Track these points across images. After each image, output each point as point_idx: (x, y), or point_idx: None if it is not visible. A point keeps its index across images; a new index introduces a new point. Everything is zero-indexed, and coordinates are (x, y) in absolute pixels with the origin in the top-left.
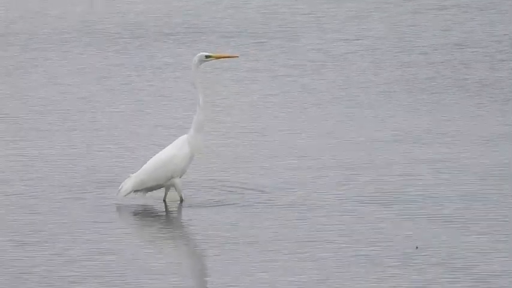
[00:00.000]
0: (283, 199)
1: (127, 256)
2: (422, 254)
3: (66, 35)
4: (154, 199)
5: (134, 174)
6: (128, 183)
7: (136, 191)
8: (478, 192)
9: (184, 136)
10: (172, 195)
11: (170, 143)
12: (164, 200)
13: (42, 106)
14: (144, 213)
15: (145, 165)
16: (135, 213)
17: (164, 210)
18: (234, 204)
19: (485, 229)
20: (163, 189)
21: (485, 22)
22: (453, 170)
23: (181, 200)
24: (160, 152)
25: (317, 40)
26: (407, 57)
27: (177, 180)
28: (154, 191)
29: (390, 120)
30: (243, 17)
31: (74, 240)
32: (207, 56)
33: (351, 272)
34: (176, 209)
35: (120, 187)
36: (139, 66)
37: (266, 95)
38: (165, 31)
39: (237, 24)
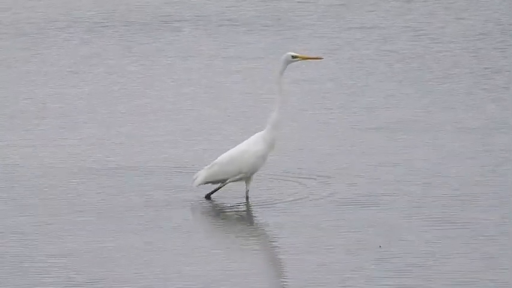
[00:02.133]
0: None
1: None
2: None
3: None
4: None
5: (208, 166)
6: (202, 174)
7: (208, 182)
8: None
9: (261, 133)
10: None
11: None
12: (247, 197)
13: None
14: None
15: (218, 158)
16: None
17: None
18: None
19: None
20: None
21: None
22: None
23: (247, 197)
24: (235, 147)
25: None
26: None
27: (246, 177)
28: (230, 183)
29: None
30: None
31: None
32: (293, 57)
33: None
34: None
35: (195, 177)
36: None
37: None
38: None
39: None
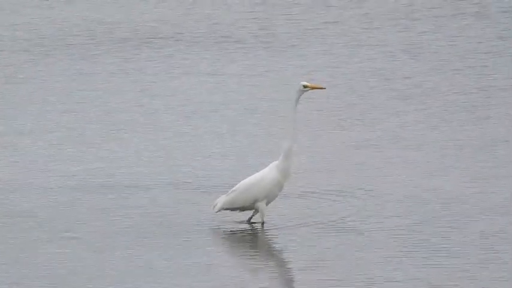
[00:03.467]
0: None
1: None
2: None
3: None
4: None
5: (228, 193)
6: (221, 201)
7: (226, 208)
8: None
9: (275, 162)
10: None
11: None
12: (249, 221)
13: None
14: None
15: (236, 185)
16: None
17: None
18: None
19: None
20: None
21: None
22: None
23: (263, 223)
24: (252, 175)
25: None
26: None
27: (260, 204)
28: (246, 210)
29: None
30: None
31: None
32: (304, 86)
33: None
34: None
35: (215, 203)
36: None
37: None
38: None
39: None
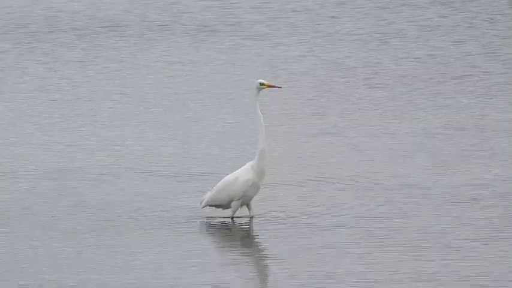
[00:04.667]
0: None
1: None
2: None
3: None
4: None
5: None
6: (205, 198)
7: (210, 205)
8: None
9: (251, 162)
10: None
11: None
12: (231, 217)
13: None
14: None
15: (217, 184)
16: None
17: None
18: None
19: None
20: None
21: None
22: None
23: (232, 218)
24: (230, 174)
25: None
26: None
27: (234, 203)
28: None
29: None
30: None
31: None
32: (260, 84)
33: None
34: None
35: (202, 199)
36: None
37: None
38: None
39: None
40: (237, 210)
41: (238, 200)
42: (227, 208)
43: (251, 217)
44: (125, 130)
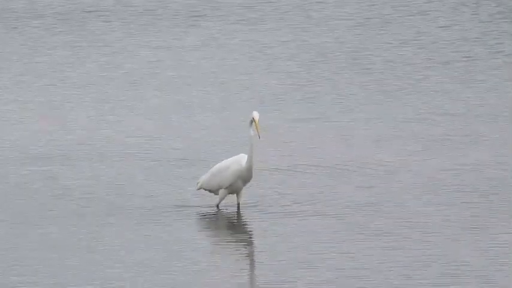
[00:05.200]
0: None
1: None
2: None
3: None
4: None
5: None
6: (200, 181)
7: (203, 189)
8: None
9: (244, 155)
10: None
11: None
12: (216, 205)
13: None
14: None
15: (211, 169)
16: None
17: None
18: None
19: None
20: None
21: None
22: None
23: (217, 206)
24: (223, 161)
25: None
26: None
27: (221, 191)
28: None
29: None
30: None
31: None
32: (253, 118)
33: None
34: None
35: (198, 181)
36: None
37: None
38: None
39: None
40: (223, 199)
41: (226, 188)
42: (217, 194)
43: (238, 203)
44: (111, 115)
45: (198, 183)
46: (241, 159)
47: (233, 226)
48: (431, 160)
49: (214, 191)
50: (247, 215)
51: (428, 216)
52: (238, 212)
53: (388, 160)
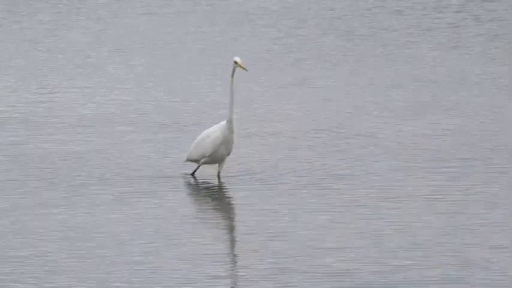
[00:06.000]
0: None
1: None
2: None
3: None
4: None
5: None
6: (187, 153)
7: (189, 160)
8: None
9: (223, 122)
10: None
11: None
12: (192, 174)
13: None
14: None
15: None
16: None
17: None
18: None
19: None
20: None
21: None
22: None
23: (192, 173)
24: (204, 131)
25: None
26: None
27: (203, 160)
28: (207, 164)
29: None
30: None
31: None
32: (235, 62)
33: None
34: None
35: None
36: None
37: None
38: None
39: None
40: (199, 167)
41: (208, 156)
42: (206, 164)
43: (218, 173)
44: (103, 83)
45: (185, 156)
46: (222, 126)
47: (211, 195)
48: (410, 127)
49: (199, 161)
50: (228, 185)
51: (402, 185)
52: (219, 182)
53: (367, 127)
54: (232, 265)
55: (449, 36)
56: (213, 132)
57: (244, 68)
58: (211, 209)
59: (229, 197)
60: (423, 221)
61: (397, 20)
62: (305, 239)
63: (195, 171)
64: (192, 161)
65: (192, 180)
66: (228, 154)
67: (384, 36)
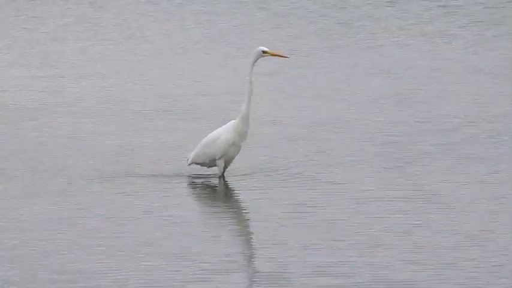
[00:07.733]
0: None
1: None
2: None
3: None
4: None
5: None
6: (191, 156)
7: (195, 163)
8: None
9: (233, 121)
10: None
11: None
12: (220, 176)
13: None
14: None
15: (200, 142)
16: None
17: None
18: None
19: None
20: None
21: None
22: None
23: (220, 177)
24: (212, 132)
25: None
26: None
27: (218, 162)
28: (213, 167)
29: None
30: None
31: None
32: (264, 52)
33: None
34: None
35: (188, 156)
36: None
37: None
38: None
39: None
40: (223, 168)
41: (220, 158)
42: (210, 167)
43: (222, 173)
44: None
45: (188, 159)
46: (231, 126)
47: (216, 191)
48: (390, 115)
49: (207, 164)
50: (234, 181)
51: (384, 174)
52: (223, 178)
53: (343, 115)
54: (238, 264)
55: (439, 23)
56: (225, 132)
57: (279, 55)
58: (211, 209)
59: (230, 197)
60: None
61: (385, 4)
62: None
63: (222, 173)
64: (198, 163)
65: (198, 181)
66: (239, 150)
67: (371, 23)
